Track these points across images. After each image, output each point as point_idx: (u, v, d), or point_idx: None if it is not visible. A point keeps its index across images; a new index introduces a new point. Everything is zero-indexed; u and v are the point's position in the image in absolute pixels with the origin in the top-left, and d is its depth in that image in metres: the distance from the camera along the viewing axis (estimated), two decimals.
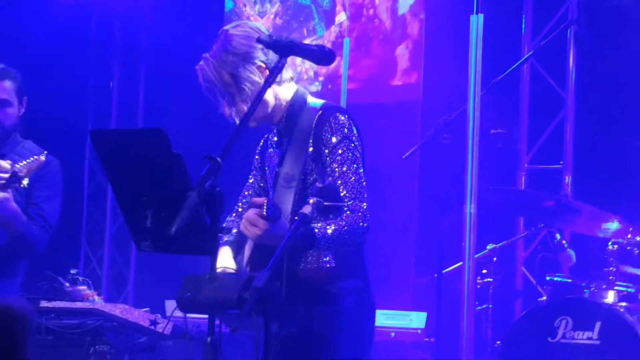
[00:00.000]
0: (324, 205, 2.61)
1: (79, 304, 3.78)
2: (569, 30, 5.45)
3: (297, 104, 2.93)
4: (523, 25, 5.86)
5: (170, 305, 4.62)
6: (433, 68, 6.09)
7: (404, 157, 4.70)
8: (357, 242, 2.81)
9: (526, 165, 5.85)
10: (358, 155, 2.84)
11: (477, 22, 3.46)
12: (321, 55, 2.81)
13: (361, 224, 2.77)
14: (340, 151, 2.81)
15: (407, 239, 5.81)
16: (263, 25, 6.90)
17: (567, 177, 5.71)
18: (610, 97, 5.54)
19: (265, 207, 2.62)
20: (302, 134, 2.88)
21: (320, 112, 2.88)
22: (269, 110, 2.92)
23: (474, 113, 3.45)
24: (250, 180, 3.11)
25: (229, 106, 2.90)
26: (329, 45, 6.67)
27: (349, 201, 2.78)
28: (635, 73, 5.39)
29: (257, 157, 3.11)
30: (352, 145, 2.83)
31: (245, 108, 2.86)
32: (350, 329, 2.83)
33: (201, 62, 2.92)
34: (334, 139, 2.83)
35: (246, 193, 3.10)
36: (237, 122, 2.89)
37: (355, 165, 2.81)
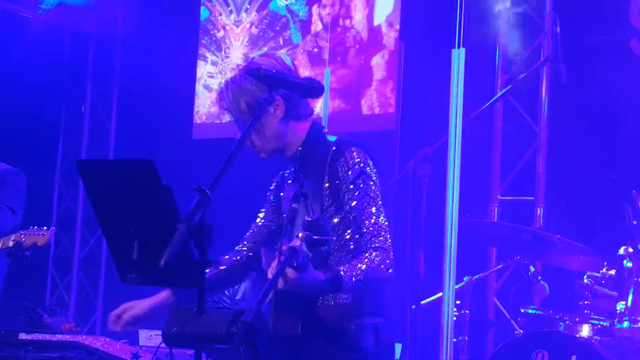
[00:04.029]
0: (313, 239, 2.57)
1: (59, 337, 3.68)
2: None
3: (312, 139, 2.85)
4: (497, 57, 5.92)
5: (144, 335, 4.55)
6: (410, 99, 6.12)
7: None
8: (382, 280, 2.71)
9: (499, 196, 5.90)
10: (377, 191, 2.75)
11: (458, 56, 3.48)
12: (309, 89, 2.80)
13: (388, 261, 2.69)
14: (359, 187, 2.73)
15: None
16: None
17: (538, 209, 5.76)
18: (582, 131, 5.61)
19: (294, 256, 2.49)
20: (317, 169, 2.80)
21: (335, 147, 2.80)
22: (282, 143, 2.84)
23: (455, 146, 3.46)
24: (261, 216, 3.02)
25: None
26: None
27: (372, 238, 2.69)
28: (606, 107, 5.47)
29: (269, 194, 3.02)
30: (370, 181, 2.75)
31: (258, 139, 2.82)
32: None
33: (222, 85, 2.85)
34: (350, 175, 2.74)
35: (253, 230, 3.02)
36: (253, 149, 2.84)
37: (374, 202, 2.73)
